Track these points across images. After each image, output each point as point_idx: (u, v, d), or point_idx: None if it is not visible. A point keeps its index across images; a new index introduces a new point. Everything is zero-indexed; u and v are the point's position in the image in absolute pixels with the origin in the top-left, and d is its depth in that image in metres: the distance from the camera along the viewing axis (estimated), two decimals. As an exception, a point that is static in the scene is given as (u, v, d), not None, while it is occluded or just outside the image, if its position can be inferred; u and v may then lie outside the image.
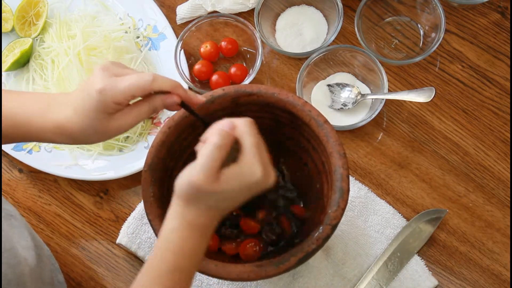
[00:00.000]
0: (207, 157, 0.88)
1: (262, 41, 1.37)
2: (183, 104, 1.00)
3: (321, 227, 1.02)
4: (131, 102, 0.99)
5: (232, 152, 0.91)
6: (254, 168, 0.90)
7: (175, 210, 0.92)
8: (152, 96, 0.99)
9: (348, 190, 1.03)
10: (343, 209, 1.02)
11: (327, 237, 1.02)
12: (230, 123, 0.91)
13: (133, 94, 0.96)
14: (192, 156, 1.19)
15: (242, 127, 0.92)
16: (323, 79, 1.38)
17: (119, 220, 1.35)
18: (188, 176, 0.89)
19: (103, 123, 0.97)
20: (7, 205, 1.14)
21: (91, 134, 0.98)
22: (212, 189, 0.89)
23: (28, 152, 1.37)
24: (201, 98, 1.02)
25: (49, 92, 1.24)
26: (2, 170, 1.38)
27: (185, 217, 0.91)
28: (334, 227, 1.02)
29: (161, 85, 0.97)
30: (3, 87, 1.42)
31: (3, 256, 1.00)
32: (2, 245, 1.01)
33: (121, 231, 1.32)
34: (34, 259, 1.11)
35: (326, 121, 1.08)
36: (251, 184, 0.91)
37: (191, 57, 1.41)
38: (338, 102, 1.36)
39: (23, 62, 1.41)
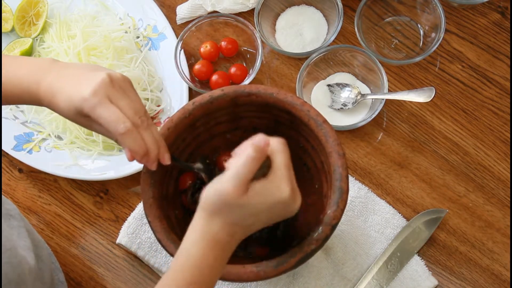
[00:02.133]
0: (240, 167, 0.88)
1: (262, 41, 1.37)
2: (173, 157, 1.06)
3: (320, 228, 1.02)
4: None
5: (262, 169, 0.90)
6: (282, 186, 0.90)
7: (198, 223, 0.91)
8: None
9: (348, 190, 1.03)
10: (343, 209, 1.02)
11: (327, 237, 1.02)
12: (264, 138, 0.91)
13: (99, 130, 0.99)
14: (191, 157, 1.20)
15: (276, 145, 0.92)
16: (323, 79, 1.38)
17: (119, 220, 1.35)
18: (217, 186, 0.89)
19: (75, 115, 0.99)
20: (7, 205, 1.14)
21: (67, 115, 1.00)
22: (238, 201, 0.88)
23: (28, 152, 1.37)
24: (166, 161, 1.04)
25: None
26: (2, 170, 1.38)
27: (208, 231, 0.90)
28: (333, 228, 1.02)
29: (128, 145, 0.98)
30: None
31: (3, 255, 1.00)
32: (2, 244, 1.01)
33: (121, 231, 1.32)
34: (33, 260, 1.11)
35: (325, 121, 1.08)
36: (277, 203, 0.90)
37: (191, 57, 1.41)
38: (338, 102, 1.36)
39: (23, 62, 1.41)
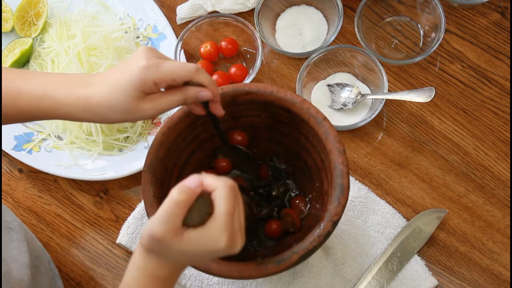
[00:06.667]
0: (165, 211, 0.86)
1: (262, 41, 1.37)
2: (212, 116, 1.06)
3: (322, 224, 1.02)
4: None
5: (205, 211, 0.88)
6: (219, 237, 0.87)
7: (137, 259, 0.91)
8: (187, 86, 1.01)
9: (348, 187, 1.03)
10: (344, 206, 1.02)
11: (328, 234, 1.02)
12: (196, 180, 0.88)
13: (174, 78, 0.98)
14: (191, 156, 1.20)
15: (220, 190, 0.88)
16: (323, 79, 1.39)
17: (119, 220, 1.35)
18: (149, 228, 0.87)
19: (134, 102, 0.98)
20: (7, 217, 1.13)
21: (118, 111, 0.98)
22: (172, 244, 0.87)
23: (28, 152, 1.37)
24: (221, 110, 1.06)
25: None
26: (2, 170, 1.38)
27: (146, 267, 0.90)
28: (335, 224, 1.02)
29: (201, 78, 1.00)
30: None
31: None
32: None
33: (121, 231, 1.32)
34: (29, 278, 1.10)
35: (325, 118, 1.08)
36: (213, 251, 0.88)
37: (191, 57, 1.41)
38: (338, 102, 1.36)
39: (23, 62, 1.42)
